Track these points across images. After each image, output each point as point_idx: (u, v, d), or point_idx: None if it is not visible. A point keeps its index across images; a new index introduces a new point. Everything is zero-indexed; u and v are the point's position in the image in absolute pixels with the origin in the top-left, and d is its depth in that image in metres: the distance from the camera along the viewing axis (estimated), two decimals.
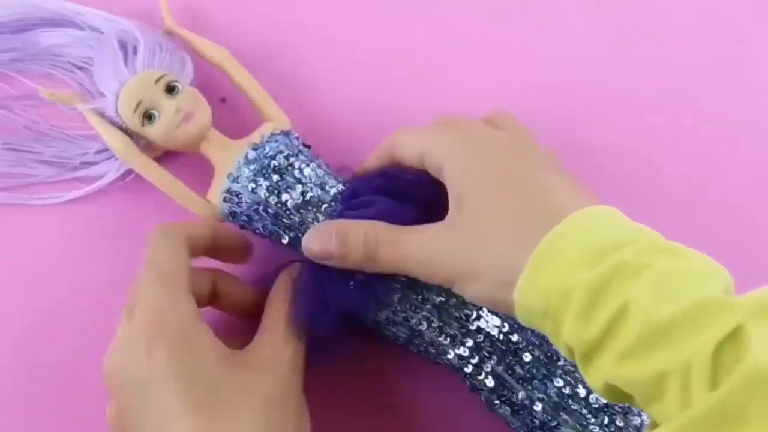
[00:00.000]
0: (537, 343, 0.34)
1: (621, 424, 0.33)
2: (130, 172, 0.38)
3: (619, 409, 0.33)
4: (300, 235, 0.33)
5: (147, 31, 0.39)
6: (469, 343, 0.34)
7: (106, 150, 0.38)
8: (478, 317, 0.34)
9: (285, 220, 0.34)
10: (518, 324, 0.34)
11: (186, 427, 0.26)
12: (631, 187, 0.40)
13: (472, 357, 0.34)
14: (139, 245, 0.32)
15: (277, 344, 0.31)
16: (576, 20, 0.44)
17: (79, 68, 0.40)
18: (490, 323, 0.34)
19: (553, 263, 0.25)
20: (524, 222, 0.27)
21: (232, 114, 0.39)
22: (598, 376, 0.25)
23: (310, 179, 0.35)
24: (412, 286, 0.33)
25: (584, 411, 0.33)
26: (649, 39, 0.43)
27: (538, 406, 0.33)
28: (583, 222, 0.26)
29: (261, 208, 0.34)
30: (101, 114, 0.37)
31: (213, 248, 0.33)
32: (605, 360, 0.24)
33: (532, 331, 0.34)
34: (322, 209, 0.34)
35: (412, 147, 0.32)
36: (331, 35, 0.42)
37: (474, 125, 0.33)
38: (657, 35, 0.43)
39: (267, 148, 0.35)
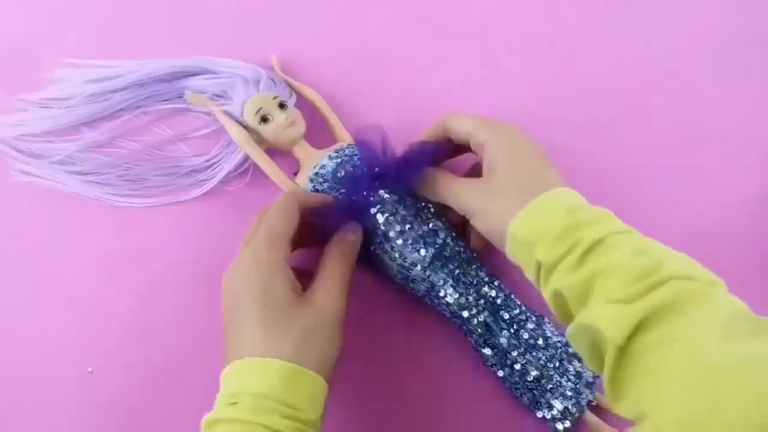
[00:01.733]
0: (513, 306, 0.49)
1: (570, 368, 0.48)
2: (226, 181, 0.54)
3: (566, 356, 0.48)
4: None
5: (266, 70, 0.56)
6: (470, 299, 0.48)
7: (213, 159, 0.54)
8: (482, 284, 0.49)
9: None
10: (505, 294, 0.49)
11: (252, 334, 0.39)
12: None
13: (470, 308, 0.48)
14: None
15: (330, 295, 0.43)
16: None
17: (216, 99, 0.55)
18: (488, 292, 0.49)
19: (538, 214, 0.40)
20: (525, 190, 0.42)
21: (313, 137, 0.55)
22: (551, 285, 0.38)
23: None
24: (439, 256, 0.48)
25: (544, 355, 0.48)
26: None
27: (513, 351, 0.48)
28: (559, 195, 0.41)
29: (338, 188, 0.49)
30: (228, 114, 0.53)
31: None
32: (558, 272, 0.38)
33: (511, 297, 0.50)
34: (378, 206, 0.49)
35: (463, 126, 0.46)
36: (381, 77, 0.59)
37: (504, 123, 0.46)
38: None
39: (347, 151, 0.51)
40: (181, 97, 0.56)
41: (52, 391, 0.49)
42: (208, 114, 0.55)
